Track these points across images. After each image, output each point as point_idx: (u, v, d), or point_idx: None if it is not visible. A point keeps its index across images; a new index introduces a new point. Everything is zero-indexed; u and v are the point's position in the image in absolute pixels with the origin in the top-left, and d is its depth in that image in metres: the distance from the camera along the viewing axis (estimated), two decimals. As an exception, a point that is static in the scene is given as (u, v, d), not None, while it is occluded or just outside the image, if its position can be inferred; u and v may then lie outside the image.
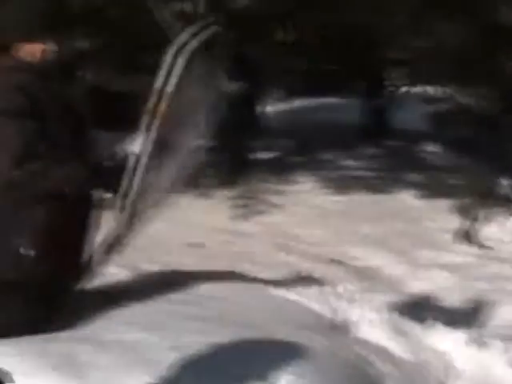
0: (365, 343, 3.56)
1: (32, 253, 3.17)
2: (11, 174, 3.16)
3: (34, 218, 3.19)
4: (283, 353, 2.97)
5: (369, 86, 13.98)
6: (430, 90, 13.46)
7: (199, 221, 9.37)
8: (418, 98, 13.51)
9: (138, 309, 3.52)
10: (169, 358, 2.80)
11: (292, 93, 20.69)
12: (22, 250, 3.17)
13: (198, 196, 10.81)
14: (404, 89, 13.80)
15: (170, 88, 3.33)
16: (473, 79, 11.66)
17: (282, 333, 3.23)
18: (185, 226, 9.23)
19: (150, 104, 3.43)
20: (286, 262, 7.19)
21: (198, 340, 2.99)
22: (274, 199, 9.64)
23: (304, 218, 8.78)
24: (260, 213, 9.23)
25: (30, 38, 3.36)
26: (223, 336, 3.07)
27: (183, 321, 3.29)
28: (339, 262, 7.05)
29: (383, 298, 4.81)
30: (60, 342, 2.98)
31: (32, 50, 3.37)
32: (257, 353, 2.93)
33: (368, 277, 6.37)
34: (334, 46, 12.28)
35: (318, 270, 6.67)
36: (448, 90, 12.83)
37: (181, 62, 3.32)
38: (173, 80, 3.31)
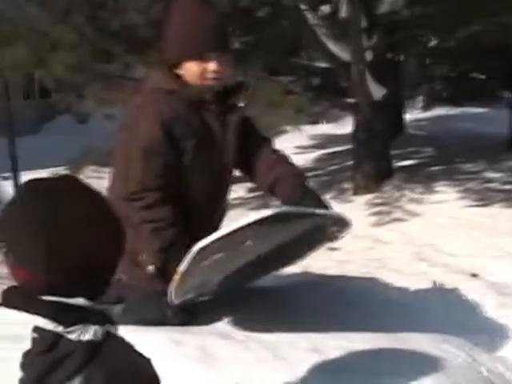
0: (507, 362, 3.49)
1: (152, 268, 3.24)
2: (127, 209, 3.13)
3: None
4: (422, 364, 2.94)
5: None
6: None
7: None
8: None
9: (277, 309, 3.55)
10: (309, 360, 2.83)
11: (435, 100, 20.51)
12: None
13: (338, 201, 10.86)
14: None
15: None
16: None
17: (425, 345, 3.21)
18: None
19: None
20: (425, 272, 7.13)
21: (338, 344, 3.01)
22: (413, 207, 9.57)
23: (443, 229, 8.66)
24: (399, 220, 9.19)
25: (198, 55, 3.24)
26: (364, 342, 3.07)
27: (324, 323, 3.31)
28: (478, 276, 6.94)
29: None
30: (196, 334, 3.05)
31: (198, 70, 3.25)
32: (396, 362, 2.91)
33: (505, 293, 6.23)
34: (484, 54, 12.07)
35: (459, 284, 6.59)
36: None
37: None
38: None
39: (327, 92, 12.45)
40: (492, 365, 3.26)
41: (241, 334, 3.04)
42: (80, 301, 1.62)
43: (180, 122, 3.21)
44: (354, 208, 10.03)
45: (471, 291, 6.15)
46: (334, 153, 15.32)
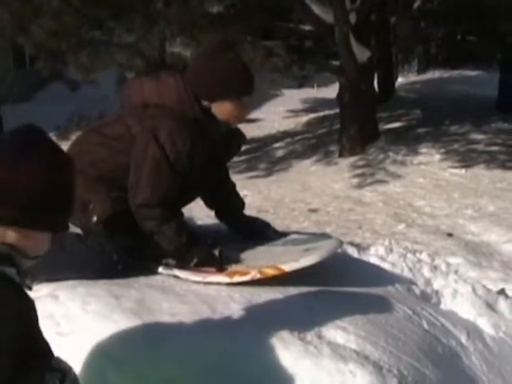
0: (452, 316, 3.52)
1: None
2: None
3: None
4: (360, 317, 2.99)
5: (505, 58, 13.60)
6: None
7: (321, 187, 9.46)
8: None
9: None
10: (245, 313, 2.89)
11: (426, 64, 20.46)
12: None
13: (323, 163, 10.92)
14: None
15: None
16: None
17: (367, 298, 3.26)
18: (307, 191, 9.34)
19: None
20: (402, 232, 7.21)
21: (276, 298, 3.06)
22: (396, 169, 9.62)
23: (424, 190, 8.72)
24: (381, 182, 9.24)
25: (238, 97, 3.39)
26: (306, 298, 3.12)
27: (276, 280, 3.34)
28: (453, 236, 7.00)
29: (485, 275, 4.74)
30: (136, 288, 3.08)
31: (231, 109, 3.39)
32: (332, 316, 2.95)
33: (478, 252, 6.30)
34: (475, 16, 12.02)
35: (432, 244, 6.65)
36: None
37: None
38: None
39: (314, 55, 12.43)
40: (435, 319, 3.30)
41: (180, 288, 3.09)
42: None
43: (197, 146, 3.30)
44: (337, 170, 10.09)
45: (442, 250, 6.25)
46: (324, 116, 15.35)
